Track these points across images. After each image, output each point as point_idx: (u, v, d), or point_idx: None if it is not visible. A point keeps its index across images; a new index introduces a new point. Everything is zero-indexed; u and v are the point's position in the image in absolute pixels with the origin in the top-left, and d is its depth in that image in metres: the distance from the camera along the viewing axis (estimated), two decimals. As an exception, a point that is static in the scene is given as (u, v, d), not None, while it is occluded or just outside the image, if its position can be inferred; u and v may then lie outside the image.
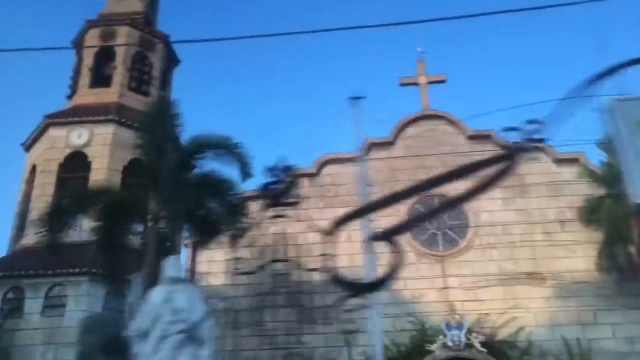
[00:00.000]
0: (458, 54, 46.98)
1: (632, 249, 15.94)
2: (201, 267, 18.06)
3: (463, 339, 14.79)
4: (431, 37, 35.90)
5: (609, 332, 15.65)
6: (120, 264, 13.01)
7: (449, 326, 15.10)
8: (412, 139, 19.31)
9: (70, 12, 51.36)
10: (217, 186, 13.97)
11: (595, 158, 18.09)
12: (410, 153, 18.87)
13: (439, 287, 16.80)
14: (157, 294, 8.45)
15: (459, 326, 15.03)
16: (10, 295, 14.85)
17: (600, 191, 17.28)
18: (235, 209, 14.09)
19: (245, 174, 13.97)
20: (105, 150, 17.29)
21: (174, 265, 8.70)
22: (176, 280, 8.56)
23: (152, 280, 9.94)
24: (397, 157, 18.99)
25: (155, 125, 13.94)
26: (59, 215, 13.09)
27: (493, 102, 44.95)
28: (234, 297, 17.55)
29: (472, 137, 18.90)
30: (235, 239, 14.57)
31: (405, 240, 16.85)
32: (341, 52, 52.96)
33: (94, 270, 14.39)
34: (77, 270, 14.38)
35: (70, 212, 13.30)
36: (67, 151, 17.57)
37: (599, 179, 17.54)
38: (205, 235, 14.54)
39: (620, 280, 16.30)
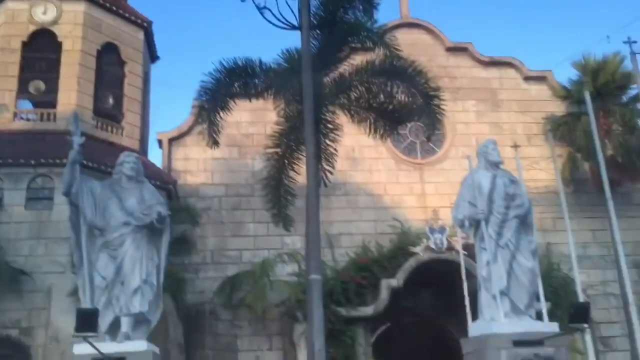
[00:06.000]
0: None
1: (592, 164, 17.38)
2: (177, 165, 17.50)
3: (445, 242, 15.72)
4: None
5: (565, 237, 17.28)
6: None
7: (431, 230, 15.92)
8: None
9: None
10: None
11: (563, 76, 19.15)
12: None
13: (417, 193, 17.54)
14: (482, 177, 8.86)
15: (441, 230, 15.89)
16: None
17: (566, 108, 18.49)
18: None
19: None
20: (78, 31, 15.71)
21: (495, 150, 9.02)
22: (497, 165, 8.99)
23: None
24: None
25: None
26: None
27: (474, 15, 45.05)
28: (213, 197, 17.31)
29: (451, 49, 19.19)
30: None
31: (385, 147, 17.29)
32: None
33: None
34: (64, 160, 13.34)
35: None
36: (32, 28, 15.76)
37: (565, 96, 18.71)
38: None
39: (578, 192, 17.92)
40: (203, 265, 16.63)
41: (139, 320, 7.82)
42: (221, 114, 12.64)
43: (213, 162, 17.57)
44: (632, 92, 18.21)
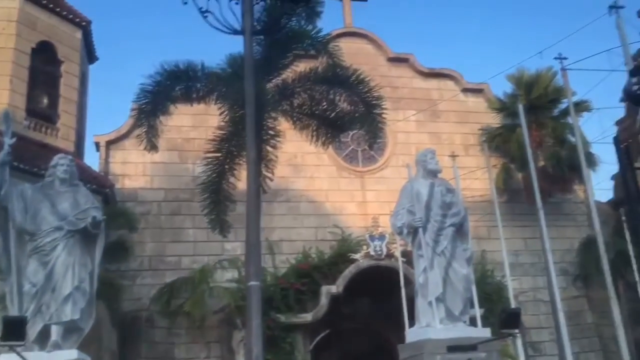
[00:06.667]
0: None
1: (525, 175, 18.03)
2: (115, 168, 17.06)
3: (384, 249, 15.94)
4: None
5: (499, 245, 17.82)
6: None
7: (371, 237, 16.11)
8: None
9: None
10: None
11: (499, 89, 19.81)
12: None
13: (358, 200, 17.73)
14: (421, 186, 9.02)
15: (381, 237, 16.10)
16: None
17: (501, 120, 19.14)
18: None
19: None
20: (11, 28, 15.07)
21: (433, 159, 9.24)
22: (435, 174, 9.21)
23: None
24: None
25: None
26: None
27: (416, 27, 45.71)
28: (152, 201, 16.95)
29: (393, 60, 19.55)
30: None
31: (327, 154, 17.42)
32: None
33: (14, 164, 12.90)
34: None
35: None
36: (-43, 21, 15.07)
37: (500, 108, 19.36)
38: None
39: (512, 201, 18.55)
40: (140, 272, 16.25)
41: (70, 328, 7.57)
42: (161, 117, 12.45)
43: (152, 166, 17.23)
44: (563, 106, 19.00)
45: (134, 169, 17.23)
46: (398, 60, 19.67)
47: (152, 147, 12.59)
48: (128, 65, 44.88)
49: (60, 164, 8.20)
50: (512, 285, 15.39)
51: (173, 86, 12.38)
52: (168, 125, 13.96)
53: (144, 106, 12.41)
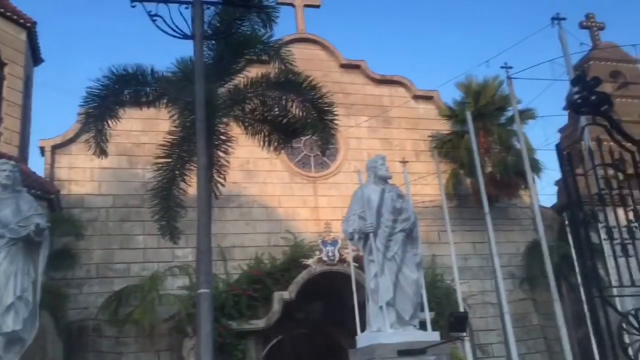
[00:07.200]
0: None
1: (473, 180, 18.44)
2: (61, 174, 16.59)
3: (337, 255, 16.01)
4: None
5: (449, 250, 18.16)
6: None
7: (324, 242, 16.17)
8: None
9: None
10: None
11: (449, 97, 20.21)
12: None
13: (311, 206, 17.77)
14: (371, 192, 8.92)
15: (334, 242, 16.17)
16: None
17: (450, 127, 19.52)
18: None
19: None
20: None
21: (384, 165, 9.19)
22: (386, 180, 9.17)
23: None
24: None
25: None
26: None
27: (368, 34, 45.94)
28: (100, 208, 16.55)
29: (345, 66, 19.70)
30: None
31: (279, 160, 17.40)
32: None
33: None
34: None
35: None
36: None
37: (449, 115, 19.76)
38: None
39: (461, 206, 18.94)
40: (87, 280, 15.85)
41: (12, 339, 7.32)
42: (110, 122, 12.19)
43: (100, 172, 16.84)
44: (509, 113, 19.54)
45: (81, 174, 16.80)
46: (350, 66, 19.85)
47: (102, 152, 12.31)
48: (76, 68, 43.77)
49: (2, 170, 7.95)
50: (461, 289, 15.70)
51: (122, 90, 12.14)
52: (117, 130, 13.67)
53: (91, 110, 12.12)
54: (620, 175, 4.40)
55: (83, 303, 15.49)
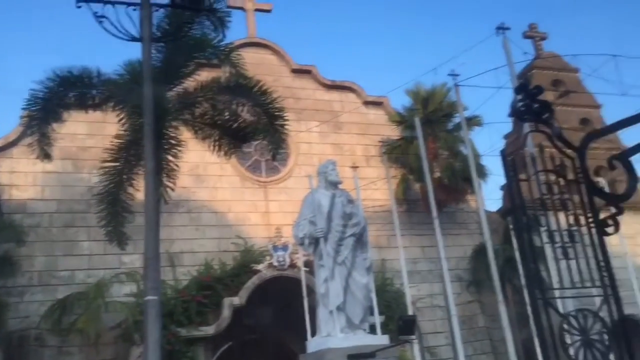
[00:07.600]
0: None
1: (422, 185, 18.75)
2: (2, 178, 15.98)
3: (288, 260, 15.99)
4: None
5: (398, 254, 18.39)
6: None
7: (275, 247, 16.13)
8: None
9: None
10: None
11: (398, 103, 20.51)
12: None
13: (261, 211, 17.68)
14: (322, 197, 9.08)
15: (284, 247, 16.16)
16: None
17: (400, 132, 19.81)
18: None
19: None
20: None
21: (334, 170, 9.35)
22: (336, 185, 9.36)
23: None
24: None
25: None
26: None
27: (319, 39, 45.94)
28: (43, 213, 16.02)
29: (296, 71, 19.74)
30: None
31: (230, 164, 17.28)
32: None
33: None
34: None
35: None
36: None
37: (399, 121, 20.05)
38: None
39: (410, 211, 19.22)
40: (29, 288, 15.29)
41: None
42: (54, 125, 11.84)
43: (44, 176, 16.30)
44: (457, 120, 19.96)
45: (23, 178, 16.23)
46: (301, 72, 19.91)
47: (46, 156, 11.94)
48: (18, 69, 42.32)
49: None
50: (410, 293, 15.92)
51: (66, 92, 11.81)
52: (62, 133, 13.30)
53: (35, 113, 11.75)
54: (562, 181, 4.56)
55: (24, 312, 14.93)
